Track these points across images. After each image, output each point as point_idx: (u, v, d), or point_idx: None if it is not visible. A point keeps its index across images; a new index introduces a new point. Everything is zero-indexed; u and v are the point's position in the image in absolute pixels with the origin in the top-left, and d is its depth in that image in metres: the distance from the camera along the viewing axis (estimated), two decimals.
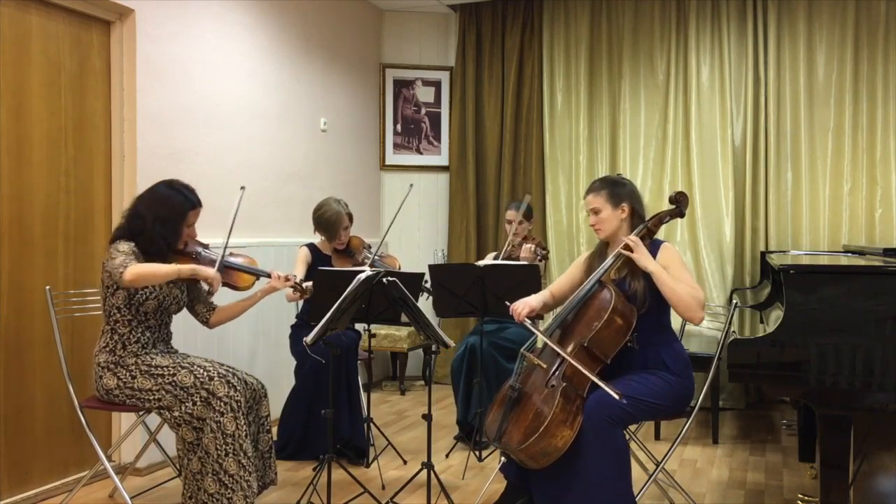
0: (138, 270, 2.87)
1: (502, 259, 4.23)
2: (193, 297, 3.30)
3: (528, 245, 4.20)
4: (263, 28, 4.70)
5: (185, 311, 3.38)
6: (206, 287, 3.18)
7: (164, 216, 3.03)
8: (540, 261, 4.15)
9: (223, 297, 3.37)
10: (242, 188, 3.39)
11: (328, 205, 4.07)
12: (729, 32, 5.38)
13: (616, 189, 2.95)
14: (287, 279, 3.34)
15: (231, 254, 3.31)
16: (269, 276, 3.33)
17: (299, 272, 4.02)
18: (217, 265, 3.14)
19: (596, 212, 2.95)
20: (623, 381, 2.77)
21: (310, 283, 3.45)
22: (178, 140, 4.01)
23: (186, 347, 3.57)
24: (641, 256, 2.78)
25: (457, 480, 3.72)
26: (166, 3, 3.91)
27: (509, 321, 4.31)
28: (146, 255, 3.02)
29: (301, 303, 4.29)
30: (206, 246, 3.27)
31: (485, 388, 4.02)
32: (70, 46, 3.55)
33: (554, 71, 5.83)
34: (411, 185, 4.63)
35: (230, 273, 3.27)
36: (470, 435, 4.19)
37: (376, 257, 4.06)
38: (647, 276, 2.80)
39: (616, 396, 2.60)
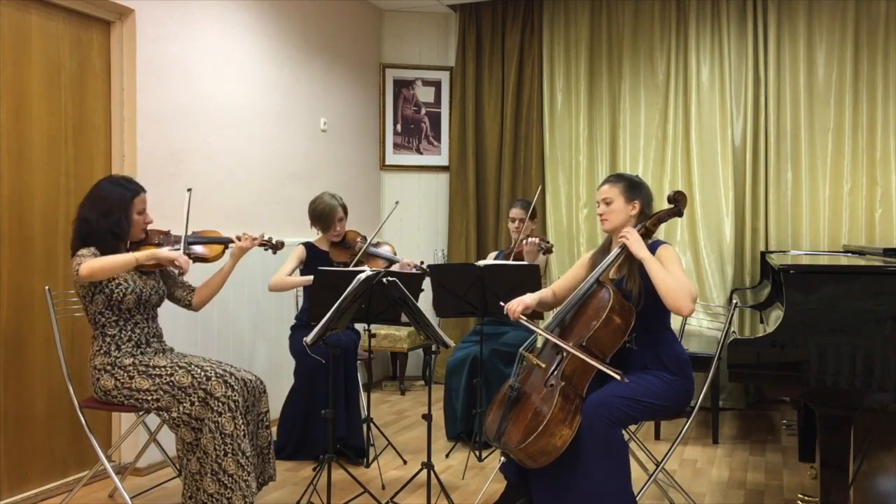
0: (92, 264, 2.88)
1: (509, 259, 4.24)
2: (170, 284, 3.31)
3: (532, 239, 4.20)
4: (263, 28, 4.71)
5: (181, 309, 3.39)
6: (174, 270, 3.19)
7: (107, 209, 3.02)
8: (544, 254, 4.17)
9: (199, 276, 3.40)
10: (189, 190, 3.36)
11: (321, 198, 4.16)
12: (729, 32, 5.38)
13: (633, 186, 2.99)
14: (254, 238, 3.38)
15: (193, 232, 3.35)
16: (234, 241, 3.37)
17: (288, 265, 4.06)
18: (181, 247, 3.17)
19: (607, 202, 2.98)
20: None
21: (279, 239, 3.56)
22: (178, 140, 4.02)
23: (187, 347, 3.58)
24: (635, 243, 2.82)
25: (457, 480, 3.72)
26: (166, 3, 3.91)
27: (507, 323, 4.32)
28: (105, 253, 3.02)
29: (301, 303, 4.30)
30: (167, 232, 3.29)
31: (484, 392, 4.02)
32: (70, 46, 3.55)
33: (554, 71, 5.83)
34: (396, 203, 4.84)
35: (196, 248, 3.30)
36: (468, 435, 4.19)
37: (371, 246, 4.12)
38: (643, 277, 2.81)
39: (618, 377, 2.62)
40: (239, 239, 3.36)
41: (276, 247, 3.54)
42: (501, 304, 3.01)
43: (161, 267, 3.18)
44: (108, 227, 3.02)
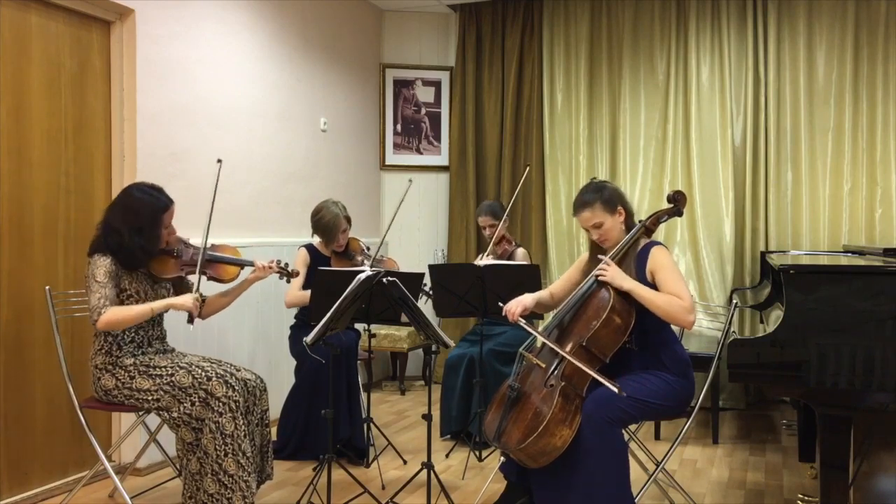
0: (111, 319, 2.89)
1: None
2: (180, 293, 3.29)
3: (521, 250, 4.39)
4: (263, 28, 4.71)
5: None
6: (193, 266, 3.16)
7: (140, 226, 3.00)
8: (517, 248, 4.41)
9: (212, 289, 3.38)
10: (219, 161, 3.31)
11: (326, 208, 4.07)
12: (729, 32, 5.38)
13: (606, 196, 2.91)
14: (270, 267, 3.35)
15: (213, 246, 3.29)
16: (252, 265, 3.34)
17: (299, 277, 4.03)
18: (195, 288, 3.11)
19: (597, 226, 2.91)
20: (622, 381, 2.77)
21: (295, 268, 3.53)
22: (178, 140, 4.02)
23: (187, 347, 3.57)
24: (616, 277, 2.77)
25: (457, 480, 3.72)
26: (166, 3, 3.91)
27: (507, 322, 4.33)
28: (127, 267, 3.02)
29: None
30: (186, 241, 3.27)
31: (482, 391, 4.03)
32: (70, 46, 3.55)
33: (554, 71, 5.83)
34: (410, 181, 4.65)
35: (214, 266, 3.26)
36: (468, 435, 4.19)
37: (375, 258, 4.07)
38: (640, 276, 2.81)
39: (615, 390, 2.60)
40: (263, 268, 3.32)
41: (290, 275, 3.46)
42: (500, 304, 2.99)
43: (181, 279, 3.23)
44: (141, 244, 3.01)
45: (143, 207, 3.03)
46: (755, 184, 5.33)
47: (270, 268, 3.34)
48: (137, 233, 3.00)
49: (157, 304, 3.00)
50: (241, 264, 3.33)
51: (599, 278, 2.80)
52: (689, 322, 2.71)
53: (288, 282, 3.58)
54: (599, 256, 2.86)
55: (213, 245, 3.29)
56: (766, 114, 5.31)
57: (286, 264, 3.45)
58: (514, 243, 4.46)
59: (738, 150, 5.39)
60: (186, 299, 3.03)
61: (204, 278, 3.19)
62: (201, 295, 3.10)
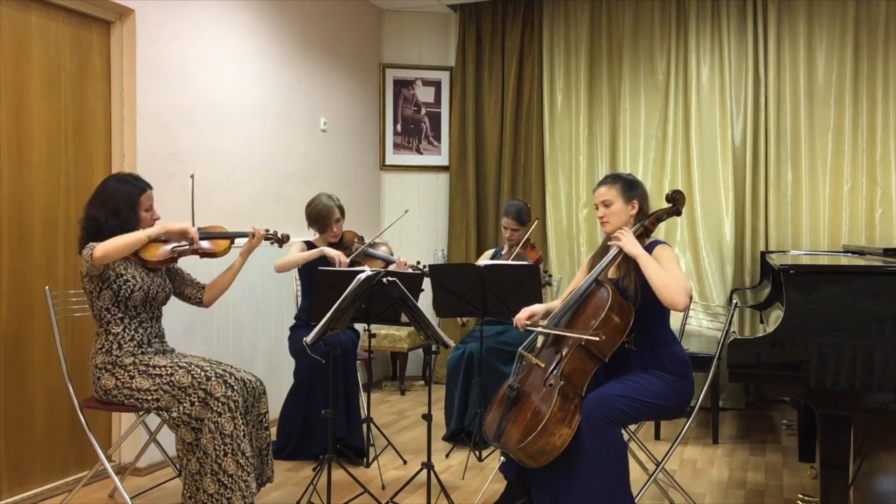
0: (106, 245, 2.89)
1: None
2: (178, 282, 3.31)
3: (521, 251, 4.35)
4: (263, 28, 4.71)
5: (182, 309, 3.39)
6: (185, 244, 3.18)
7: (116, 208, 3.04)
8: (543, 286, 4.21)
9: (207, 274, 3.42)
10: (192, 176, 3.40)
11: (318, 199, 4.18)
12: (729, 32, 5.38)
13: (630, 186, 2.98)
14: (262, 234, 3.42)
15: (199, 228, 3.34)
16: (245, 235, 3.40)
17: (294, 252, 4.10)
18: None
19: (607, 204, 2.96)
20: (622, 381, 2.77)
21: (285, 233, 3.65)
22: (178, 140, 4.02)
23: (188, 348, 3.58)
24: (628, 243, 2.82)
25: (457, 480, 3.72)
26: (166, 3, 3.91)
27: (508, 323, 4.33)
28: None
29: (300, 303, 4.30)
30: None
31: (481, 391, 4.03)
32: (70, 46, 3.55)
33: (554, 71, 5.83)
34: (406, 211, 5.02)
35: (203, 243, 3.30)
36: (468, 435, 4.19)
37: (368, 247, 4.16)
38: (639, 275, 2.81)
39: (595, 339, 2.66)
40: (253, 235, 3.38)
41: (281, 240, 3.58)
42: (513, 321, 3.04)
43: (173, 261, 3.18)
44: (118, 224, 3.02)
45: (119, 192, 3.07)
46: (755, 184, 5.33)
47: (262, 234, 3.42)
48: (114, 214, 3.02)
49: (153, 230, 3.04)
50: (231, 236, 3.39)
51: (612, 243, 2.88)
52: (683, 303, 2.70)
53: (280, 246, 3.67)
54: (609, 243, 2.90)
55: (199, 228, 3.35)
56: (766, 114, 5.31)
57: (275, 231, 3.55)
58: (536, 248, 4.47)
59: (738, 150, 5.39)
60: (181, 223, 3.12)
61: (196, 257, 3.25)
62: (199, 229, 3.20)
